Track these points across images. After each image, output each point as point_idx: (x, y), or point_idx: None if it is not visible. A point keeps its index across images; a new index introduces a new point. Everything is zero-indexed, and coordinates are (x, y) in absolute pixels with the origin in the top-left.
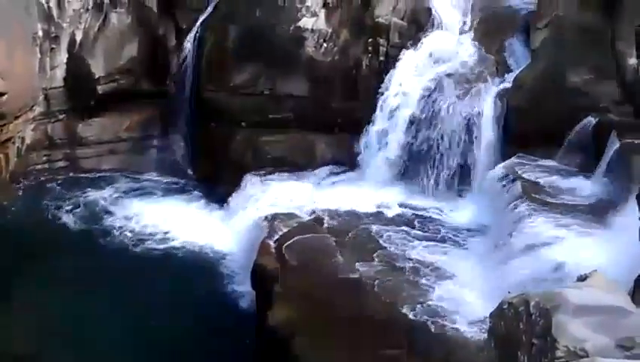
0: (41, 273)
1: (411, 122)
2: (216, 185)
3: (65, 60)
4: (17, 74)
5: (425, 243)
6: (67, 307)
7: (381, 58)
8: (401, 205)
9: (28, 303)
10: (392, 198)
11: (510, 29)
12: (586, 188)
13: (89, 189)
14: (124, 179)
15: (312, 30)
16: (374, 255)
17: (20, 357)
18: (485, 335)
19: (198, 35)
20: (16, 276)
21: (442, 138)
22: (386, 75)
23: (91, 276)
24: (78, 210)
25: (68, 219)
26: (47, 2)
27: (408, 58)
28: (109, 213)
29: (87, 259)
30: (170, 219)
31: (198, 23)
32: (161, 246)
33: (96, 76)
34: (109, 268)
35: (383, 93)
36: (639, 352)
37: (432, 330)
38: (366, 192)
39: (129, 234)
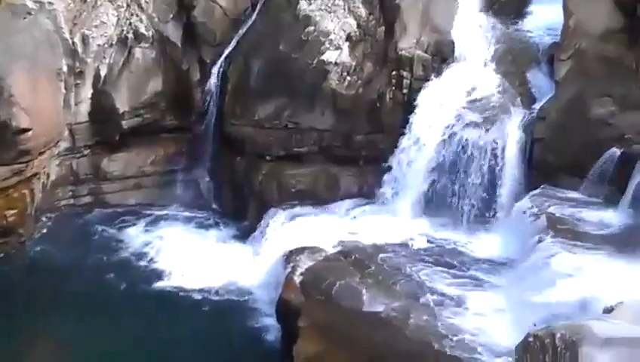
0: (61, 305)
1: (436, 155)
2: (241, 219)
3: (89, 95)
4: (42, 110)
5: (450, 276)
6: (93, 342)
7: (405, 90)
8: (426, 238)
9: (51, 336)
10: (416, 231)
11: (533, 61)
12: (611, 219)
13: (114, 224)
14: (150, 213)
15: (336, 63)
16: (399, 288)
17: None
18: None
19: (221, 69)
20: (39, 310)
21: (467, 170)
22: (410, 107)
23: (118, 310)
24: (103, 245)
25: (93, 254)
26: (72, 38)
27: (432, 90)
28: (134, 247)
29: (112, 294)
30: (196, 254)
31: (221, 58)
32: (186, 282)
33: (121, 111)
34: (134, 302)
35: (407, 126)
36: None
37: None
38: (391, 225)
39: (154, 269)
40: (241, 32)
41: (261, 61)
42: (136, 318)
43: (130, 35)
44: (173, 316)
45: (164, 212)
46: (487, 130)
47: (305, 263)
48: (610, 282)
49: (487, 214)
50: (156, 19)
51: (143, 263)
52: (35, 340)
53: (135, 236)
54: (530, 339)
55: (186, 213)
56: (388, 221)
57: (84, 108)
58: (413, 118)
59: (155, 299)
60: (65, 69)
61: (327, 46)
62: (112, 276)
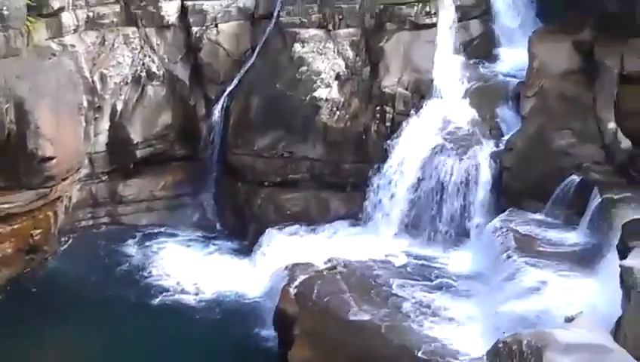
0: (81, 317)
1: (415, 181)
2: (242, 238)
3: (107, 128)
4: (65, 140)
5: (428, 288)
6: (103, 351)
7: (387, 124)
8: (406, 255)
9: (70, 341)
10: (398, 249)
11: (502, 98)
12: (571, 239)
13: (129, 242)
14: (160, 233)
15: (326, 99)
16: (381, 299)
17: None
18: None
19: (224, 104)
20: (60, 318)
21: (442, 195)
22: (392, 139)
23: (131, 318)
24: (118, 261)
25: (109, 269)
26: (92, 76)
27: (412, 124)
28: (146, 263)
29: (126, 303)
30: (201, 269)
31: (224, 94)
32: (192, 294)
33: (135, 142)
34: (145, 311)
35: (390, 156)
36: None
37: None
38: (375, 244)
39: (163, 283)
40: (242, 71)
41: (260, 97)
42: (146, 325)
43: (144, 74)
44: (181, 323)
45: (173, 231)
46: (461, 159)
47: (299, 277)
48: (571, 294)
49: (461, 233)
50: (166, 60)
51: (154, 276)
52: (56, 343)
53: (147, 253)
54: (500, 345)
55: (193, 233)
56: (372, 240)
57: (102, 139)
58: (395, 149)
59: (163, 308)
60: (85, 104)
61: (319, 84)
62: (126, 288)
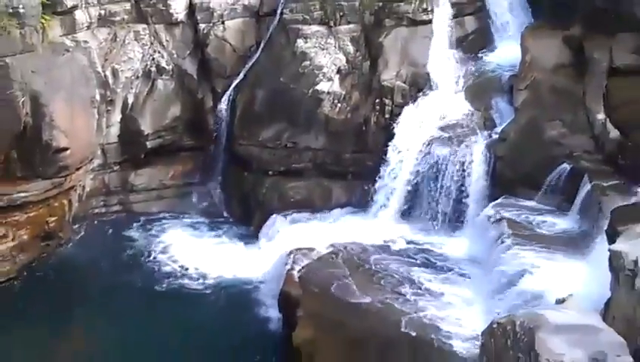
0: (95, 299)
1: (414, 170)
2: (248, 224)
3: (119, 120)
4: (78, 132)
5: (425, 272)
6: (120, 330)
7: (386, 115)
8: (405, 240)
9: (84, 320)
10: (397, 234)
11: (496, 90)
12: (562, 224)
13: (139, 229)
14: (170, 220)
15: (328, 92)
16: (382, 283)
17: None
18: (478, 350)
19: (231, 97)
20: (75, 300)
21: (440, 183)
22: (391, 130)
23: (143, 299)
24: (129, 246)
25: (121, 254)
26: (104, 71)
27: (410, 115)
28: (157, 248)
29: (137, 286)
30: (209, 254)
31: (231, 88)
32: (201, 278)
33: (146, 133)
34: (157, 292)
35: (389, 146)
36: None
37: (433, 346)
38: (375, 229)
39: (174, 267)
40: (248, 66)
41: (264, 91)
42: (158, 306)
43: (154, 69)
44: (190, 305)
45: (182, 218)
46: (457, 149)
47: (302, 261)
48: (562, 277)
49: (457, 220)
50: (175, 56)
51: (164, 261)
52: (70, 324)
53: (157, 238)
54: (495, 326)
55: (201, 220)
56: (372, 226)
57: (114, 130)
58: (395, 139)
59: (171, 291)
60: (98, 97)
61: (321, 78)
62: (136, 272)
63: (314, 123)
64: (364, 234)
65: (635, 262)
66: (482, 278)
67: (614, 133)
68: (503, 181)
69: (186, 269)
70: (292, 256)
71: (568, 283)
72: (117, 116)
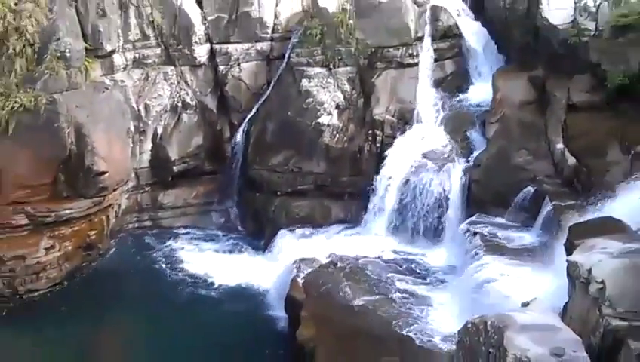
0: (128, 301)
1: (400, 191)
2: (259, 238)
3: (150, 148)
4: (115, 158)
5: (411, 279)
6: (149, 327)
7: (378, 145)
8: (393, 252)
9: (120, 316)
10: (386, 247)
11: (471, 123)
12: (526, 238)
13: (167, 241)
14: (192, 234)
15: (328, 125)
16: (373, 288)
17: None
18: (455, 346)
19: (245, 129)
20: (112, 301)
21: (423, 203)
22: (381, 157)
23: (170, 300)
24: (158, 256)
25: (150, 263)
26: (137, 106)
27: (398, 145)
28: (181, 257)
29: (164, 289)
30: (226, 263)
31: (245, 120)
32: (219, 283)
33: (172, 159)
34: (181, 296)
35: (380, 171)
36: (567, 359)
37: (417, 343)
38: (367, 243)
39: (195, 273)
40: (260, 102)
41: (274, 123)
42: (181, 307)
43: (180, 104)
44: (207, 307)
45: (203, 232)
46: (437, 173)
47: (305, 270)
48: (526, 284)
49: (437, 234)
50: (198, 93)
51: (187, 269)
52: (108, 321)
53: (182, 249)
54: (469, 325)
55: (219, 233)
56: (365, 239)
57: (146, 157)
58: (385, 165)
59: (193, 294)
60: (132, 128)
61: (322, 112)
62: (164, 278)
63: (316, 151)
64: (358, 247)
65: (589, 271)
66: (458, 284)
67: (571, 160)
68: (477, 201)
69: (205, 275)
70: (296, 265)
71: (532, 289)
72: (148, 145)
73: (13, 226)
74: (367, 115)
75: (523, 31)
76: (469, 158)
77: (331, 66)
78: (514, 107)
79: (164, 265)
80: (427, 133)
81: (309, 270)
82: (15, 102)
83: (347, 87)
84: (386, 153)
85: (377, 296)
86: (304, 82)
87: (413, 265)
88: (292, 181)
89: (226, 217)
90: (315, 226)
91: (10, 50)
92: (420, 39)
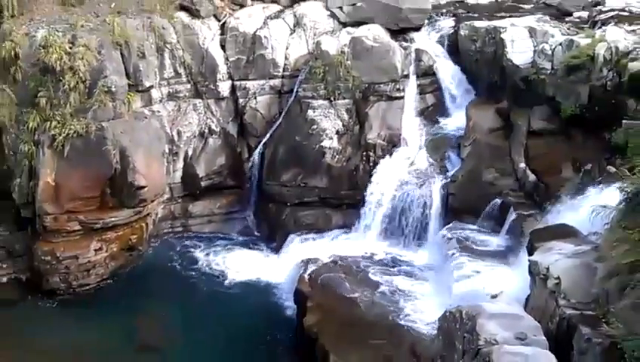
0: (164, 293)
1: (390, 203)
2: (272, 241)
3: (181, 166)
4: (153, 175)
5: (398, 275)
6: (182, 313)
7: (371, 164)
8: (384, 253)
9: (155, 312)
10: (378, 249)
11: (449, 146)
12: (495, 242)
13: (196, 244)
14: (217, 237)
15: (330, 147)
16: (366, 282)
17: (156, 349)
18: (435, 331)
19: (260, 151)
20: (151, 294)
21: (409, 212)
22: (374, 174)
23: (198, 292)
24: (189, 257)
25: (182, 261)
26: (171, 132)
27: (387, 164)
28: (208, 258)
29: (194, 284)
30: (244, 262)
31: (261, 144)
32: (239, 278)
33: (200, 176)
34: (205, 291)
35: (372, 186)
36: (529, 342)
37: (404, 328)
38: (362, 245)
39: (220, 269)
40: (272, 128)
41: (284, 146)
42: (208, 298)
43: (206, 130)
44: (230, 297)
45: (226, 236)
46: (420, 188)
47: (311, 267)
48: (494, 279)
49: (421, 238)
50: (222, 121)
51: (213, 266)
52: (148, 310)
53: (209, 251)
54: (447, 314)
55: (239, 237)
56: (360, 243)
57: (178, 174)
58: (376, 180)
59: (218, 287)
60: (167, 150)
61: (324, 137)
62: (194, 274)
63: (319, 169)
64: (355, 249)
65: (547, 269)
66: (438, 280)
67: (532, 177)
68: (453, 210)
69: (228, 271)
70: (303, 263)
71: (499, 284)
72: (180, 164)
73: (68, 231)
74: (361, 139)
75: (491, 70)
76: (447, 175)
77: (332, 99)
78: (484, 133)
79: (193, 263)
80: (412, 154)
81: (314, 267)
82: (70, 129)
83: (345, 116)
84: (378, 171)
85: (370, 289)
86: (309, 112)
87: (400, 264)
88: (299, 194)
89: (245, 224)
90: (319, 231)
91: (66, 86)
92: (406, 76)
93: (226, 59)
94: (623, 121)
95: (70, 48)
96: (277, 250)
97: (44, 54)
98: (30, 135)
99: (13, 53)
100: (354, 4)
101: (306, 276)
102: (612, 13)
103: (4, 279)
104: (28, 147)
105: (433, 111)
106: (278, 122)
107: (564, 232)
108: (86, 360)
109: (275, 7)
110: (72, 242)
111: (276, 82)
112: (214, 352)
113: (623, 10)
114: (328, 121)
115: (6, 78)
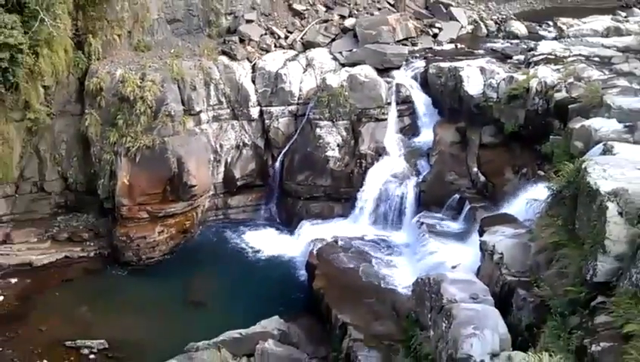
0: (209, 264)
1: (376, 196)
2: (290, 225)
3: (223, 170)
4: (202, 177)
5: (382, 251)
6: (223, 277)
7: (363, 168)
8: (372, 234)
9: (204, 278)
10: (368, 231)
11: (420, 155)
12: (454, 226)
13: (233, 228)
14: (248, 223)
15: (332, 156)
16: (358, 255)
17: (203, 304)
18: (410, 293)
19: (281, 159)
20: (201, 266)
21: (391, 204)
22: (365, 177)
23: (232, 264)
24: (228, 237)
25: (223, 241)
26: (215, 145)
27: (375, 169)
28: (241, 237)
29: (231, 257)
30: (268, 241)
31: (281, 153)
32: (264, 253)
33: (236, 177)
34: (239, 262)
35: (365, 184)
36: (480, 300)
37: (387, 290)
38: (356, 229)
39: (250, 247)
40: (290, 142)
41: (299, 155)
42: (242, 266)
43: (241, 144)
44: (257, 268)
45: (255, 222)
46: (399, 186)
47: (318, 245)
48: (454, 254)
49: (399, 223)
50: (252, 136)
51: (245, 244)
52: (198, 275)
53: (242, 233)
54: (419, 280)
55: (266, 223)
56: (355, 227)
57: (220, 176)
58: (367, 181)
59: (250, 259)
60: (212, 158)
61: (328, 149)
62: (231, 250)
63: (325, 172)
64: (351, 231)
65: (493, 246)
66: (412, 255)
67: (482, 178)
68: (424, 203)
69: (257, 248)
70: (312, 242)
71: (457, 258)
72: (222, 168)
73: (138, 218)
74: (356, 150)
75: (452, 98)
76: (419, 176)
77: (334, 120)
78: (447, 145)
79: (230, 242)
80: (393, 161)
81: (320, 245)
82: (140, 142)
83: (344, 133)
84: (368, 174)
85: (362, 262)
86: (317, 130)
87: (384, 243)
88: (310, 190)
89: (269, 213)
90: (324, 218)
91: (137, 111)
92: (389, 103)
93: (256, 90)
94: (550, 137)
95: (141, 83)
96: (293, 232)
97: (121, 87)
98: (111, 147)
99: (98, 86)
100: (351, 50)
101: (315, 251)
102: (542, 57)
103: (92, 253)
104: (109, 156)
105: (409, 129)
106: (294, 137)
107: (506, 219)
108: (151, 312)
109: (292, 52)
110: (141, 226)
111: (293, 108)
112: (245, 306)
113: (550, 54)
114: (331, 137)
115: (93, 105)
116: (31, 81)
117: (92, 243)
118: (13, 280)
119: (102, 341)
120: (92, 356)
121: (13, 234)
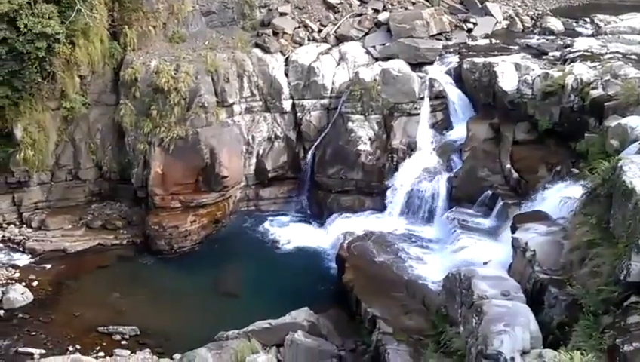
0: (240, 253)
1: (409, 191)
2: (321, 218)
3: (254, 162)
4: (234, 168)
5: (413, 245)
6: (252, 268)
7: (394, 163)
8: (403, 228)
9: (234, 265)
10: (399, 225)
11: (453, 151)
12: (486, 223)
13: (264, 219)
14: (280, 214)
15: (364, 150)
16: (389, 249)
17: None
18: (440, 288)
19: (313, 151)
20: (232, 253)
21: (422, 199)
22: (397, 171)
23: (263, 254)
24: (259, 228)
25: (254, 231)
26: (247, 137)
27: (407, 164)
28: (272, 229)
29: (261, 248)
30: (300, 233)
31: (313, 146)
32: (295, 244)
33: (268, 169)
34: (270, 253)
35: (396, 178)
36: (511, 297)
37: (416, 284)
38: (387, 223)
39: (280, 238)
40: (322, 135)
41: (331, 148)
42: (273, 257)
43: (273, 136)
44: (288, 259)
45: (286, 214)
46: (431, 181)
47: (348, 238)
48: (486, 250)
49: (431, 218)
50: (285, 129)
51: (275, 235)
52: (229, 262)
53: (273, 224)
54: (449, 275)
55: (296, 215)
56: (386, 221)
57: (252, 167)
58: (399, 175)
59: (281, 250)
60: (244, 150)
61: (360, 142)
62: (262, 241)
63: (356, 166)
64: (381, 225)
65: (526, 243)
66: (443, 250)
67: (515, 175)
68: (455, 198)
69: (288, 240)
70: (343, 235)
71: (489, 254)
72: (254, 160)
73: (171, 208)
74: (388, 145)
75: (486, 94)
76: (451, 172)
77: (366, 114)
78: (480, 141)
79: (261, 233)
80: (425, 156)
81: (351, 238)
82: (174, 133)
83: (376, 127)
84: (400, 168)
85: (392, 255)
86: (349, 124)
87: (414, 237)
88: (341, 184)
89: (300, 205)
90: (355, 212)
91: (171, 102)
92: (422, 98)
93: (289, 83)
94: (585, 135)
95: (175, 74)
96: (323, 225)
97: (156, 78)
98: (145, 137)
99: (133, 77)
100: (384, 44)
101: (345, 244)
102: (578, 53)
103: (125, 241)
104: (143, 146)
105: (441, 124)
106: (326, 131)
107: (539, 216)
108: (182, 300)
109: (325, 46)
110: (174, 215)
111: (325, 101)
112: (276, 297)
113: (586, 50)
114: (363, 131)
115: (128, 95)
116: (67, 71)
117: (125, 231)
118: (48, 266)
119: (133, 327)
120: (124, 342)
121: (48, 220)
